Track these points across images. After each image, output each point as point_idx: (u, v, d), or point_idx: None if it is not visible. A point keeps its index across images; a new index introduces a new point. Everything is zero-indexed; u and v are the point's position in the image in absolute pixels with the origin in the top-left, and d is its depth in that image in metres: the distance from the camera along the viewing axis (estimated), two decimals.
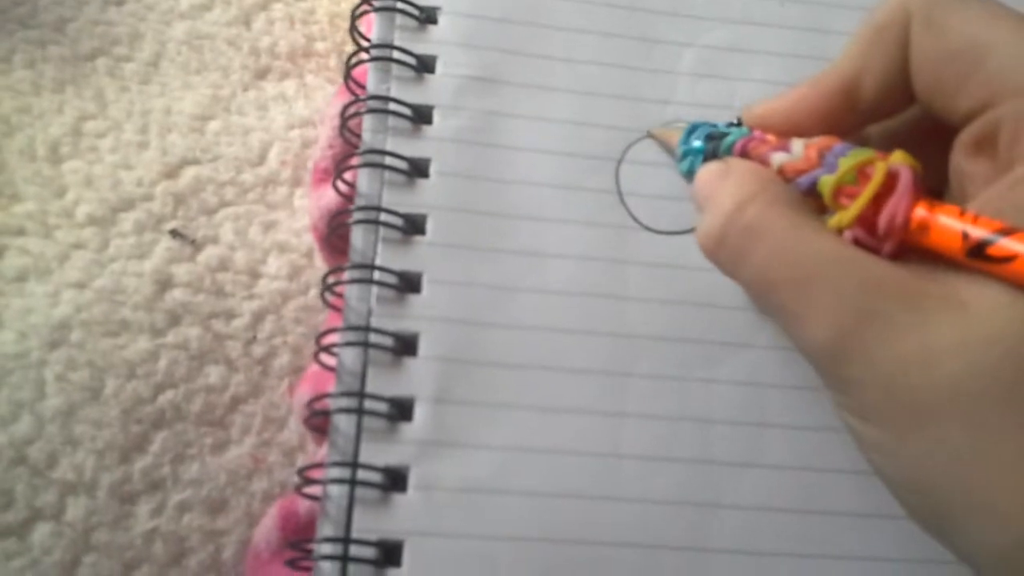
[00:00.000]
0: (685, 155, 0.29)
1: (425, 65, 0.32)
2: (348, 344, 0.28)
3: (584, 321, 0.30)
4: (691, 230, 0.32)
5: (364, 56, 0.32)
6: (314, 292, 0.33)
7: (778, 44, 0.35)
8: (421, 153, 0.31)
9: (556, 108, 0.33)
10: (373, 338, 0.28)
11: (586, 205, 0.32)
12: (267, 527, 0.28)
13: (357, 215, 0.30)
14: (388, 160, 0.30)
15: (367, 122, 0.31)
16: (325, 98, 0.36)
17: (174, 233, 0.32)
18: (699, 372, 0.30)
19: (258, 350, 0.31)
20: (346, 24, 0.37)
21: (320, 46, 0.38)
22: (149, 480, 0.29)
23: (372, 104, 0.31)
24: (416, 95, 0.32)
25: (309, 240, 0.33)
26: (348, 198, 0.30)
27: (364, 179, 0.30)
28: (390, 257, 0.29)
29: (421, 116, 0.32)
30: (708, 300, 0.31)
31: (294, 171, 0.35)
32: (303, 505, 0.27)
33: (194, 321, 0.31)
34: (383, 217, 0.29)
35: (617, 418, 0.29)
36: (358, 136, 0.31)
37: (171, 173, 0.33)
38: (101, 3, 0.36)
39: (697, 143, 0.28)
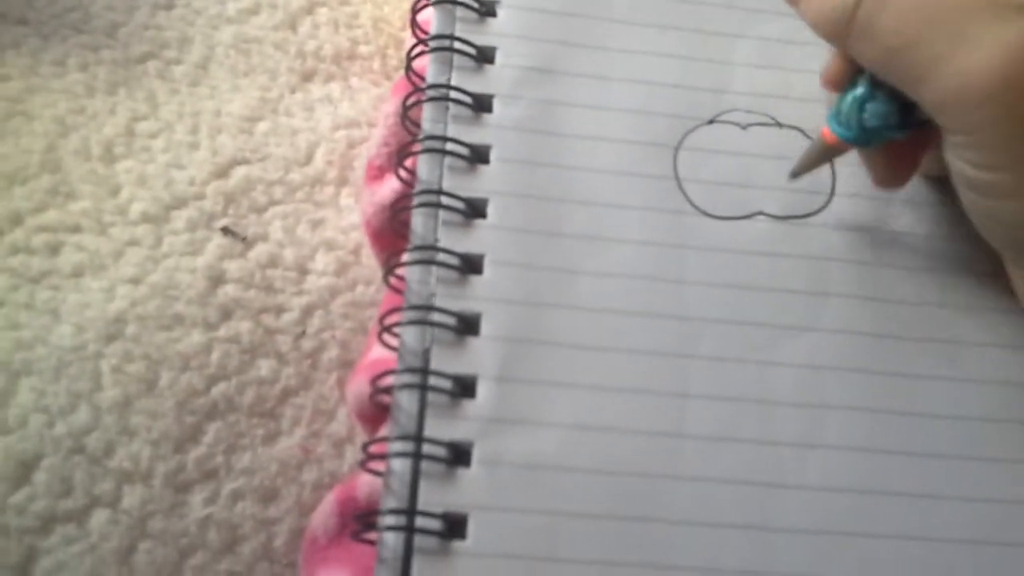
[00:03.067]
0: (856, 102, 0.29)
1: (485, 56, 0.33)
2: (410, 323, 0.29)
3: (643, 303, 0.30)
4: (749, 216, 0.32)
5: (423, 48, 0.33)
6: (361, 288, 0.33)
7: None
8: (482, 140, 0.32)
9: (614, 97, 0.33)
10: (436, 317, 0.29)
11: (644, 191, 0.32)
12: (325, 512, 0.28)
13: (418, 199, 0.30)
14: (449, 146, 0.31)
15: (427, 111, 0.32)
16: (369, 100, 0.37)
17: (225, 230, 0.33)
18: (760, 354, 0.30)
19: (307, 344, 0.32)
20: (389, 28, 0.38)
21: (364, 49, 0.39)
22: (203, 469, 0.30)
23: (432, 93, 0.32)
24: (476, 85, 0.33)
25: (356, 237, 0.34)
26: (408, 186, 0.31)
27: (425, 166, 0.31)
28: (452, 239, 0.30)
29: (481, 105, 0.32)
30: (767, 284, 0.31)
31: (340, 171, 0.35)
32: (362, 490, 0.28)
33: (245, 316, 0.32)
34: (444, 201, 0.30)
35: (678, 398, 0.29)
36: (418, 127, 0.32)
37: (221, 172, 0.34)
38: (151, 8, 0.37)
39: (860, 88, 0.29)
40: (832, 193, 0.33)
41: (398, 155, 0.31)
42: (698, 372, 0.29)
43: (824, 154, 0.31)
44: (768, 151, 0.34)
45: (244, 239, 0.33)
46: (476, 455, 0.27)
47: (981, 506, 0.29)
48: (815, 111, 0.34)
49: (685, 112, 0.34)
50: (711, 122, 0.34)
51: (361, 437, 0.31)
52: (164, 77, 0.36)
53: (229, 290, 0.32)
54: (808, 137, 0.34)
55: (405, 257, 0.30)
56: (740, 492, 0.28)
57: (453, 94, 0.32)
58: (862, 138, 0.29)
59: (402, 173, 0.31)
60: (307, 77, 0.37)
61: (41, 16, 0.36)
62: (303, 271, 0.33)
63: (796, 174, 0.32)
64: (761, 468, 0.28)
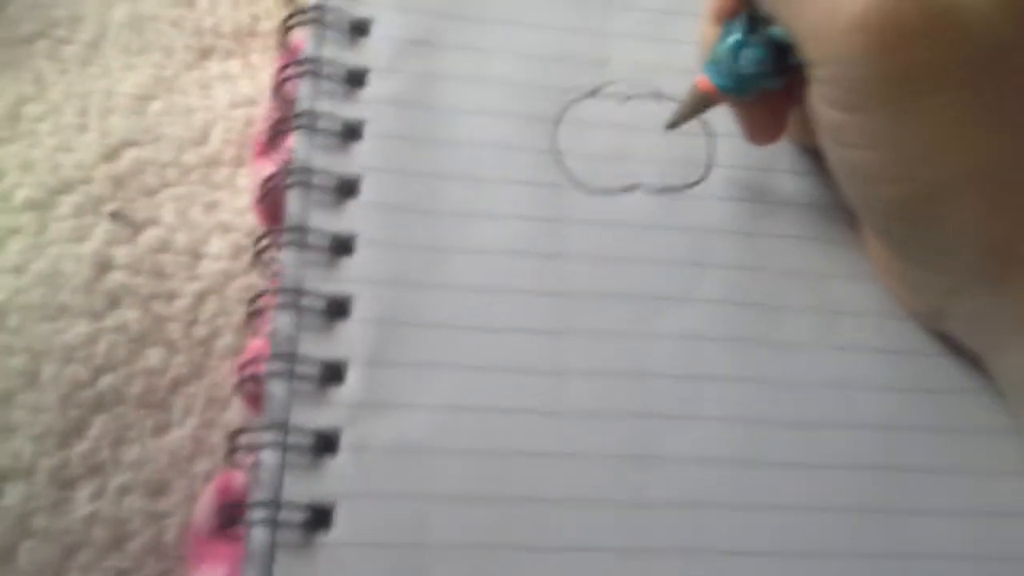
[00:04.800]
0: (732, 48, 0.29)
1: (360, 28, 0.33)
2: (281, 308, 0.28)
3: (520, 280, 0.30)
4: (628, 189, 0.31)
5: (297, 20, 0.32)
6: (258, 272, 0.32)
7: None
8: (356, 115, 0.31)
9: (493, 70, 0.33)
10: (305, 301, 0.28)
11: (523, 165, 0.31)
12: (205, 505, 0.27)
13: (291, 178, 0.29)
14: (322, 123, 0.30)
15: (302, 86, 0.31)
16: (270, 77, 0.36)
17: (114, 215, 0.32)
18: (638, 327, 0.30)
19: (200, 331, 0.31)
20: (291, 3, 0.37)
21: (265, 25, 0.37)
22: (88, 464, 0.29)
23: (306, 67, 0.31)
24: (351, 58, 0.32)
25: (252, 220, 0.33)
26: (284, 164, 0.30)
27: (298, 142, 0.30)
28: (323, 219, 0.29)
29: (356, 79, 0.32)
30: (646, 256, 0.31)
31: (238, 151, 0.34)
32: (239, 479, 0.27)
33: (134, 303, 0.31)
34: (316, 180, 0.29)
35: (555, 376, 0.29)
36: (292, 103, 0.31)
37: (111, 155, 0.33)
38: None
39: (736, 35, 0.29)
40: (710, 164, 0.33)
41: (270, 132, 0.30)
42: (575, 348, 0.29)
43: (699, 103, 0.31)
44: (649, 124, 0.33)
45: (134, 224, 0.32)
46: (344, 442, 0.27)
47: (860, 474, 0.29)
48: None
49: (566, 85, 0.33)
50: (592, 95, 0.33)
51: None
52: (53, 57, 0.35)
53: (117, 277, 0.31)
54: None
55: (279, 238, 0.29)
56: (616, 467, 0.28)
57: (327, 68, 0.31)
58: (737, 86, 0.29)
59: (277, 153, 0.30)
60: (205, 55, 0.36)
61: None
62: (196, 256, 0.32)
63: (672, 125, 0.31)
64: (638, 442, 0.28)
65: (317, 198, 0.30)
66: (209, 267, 0.32)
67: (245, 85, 0.36)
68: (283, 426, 0.26)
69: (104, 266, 0.31)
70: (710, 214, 0.32)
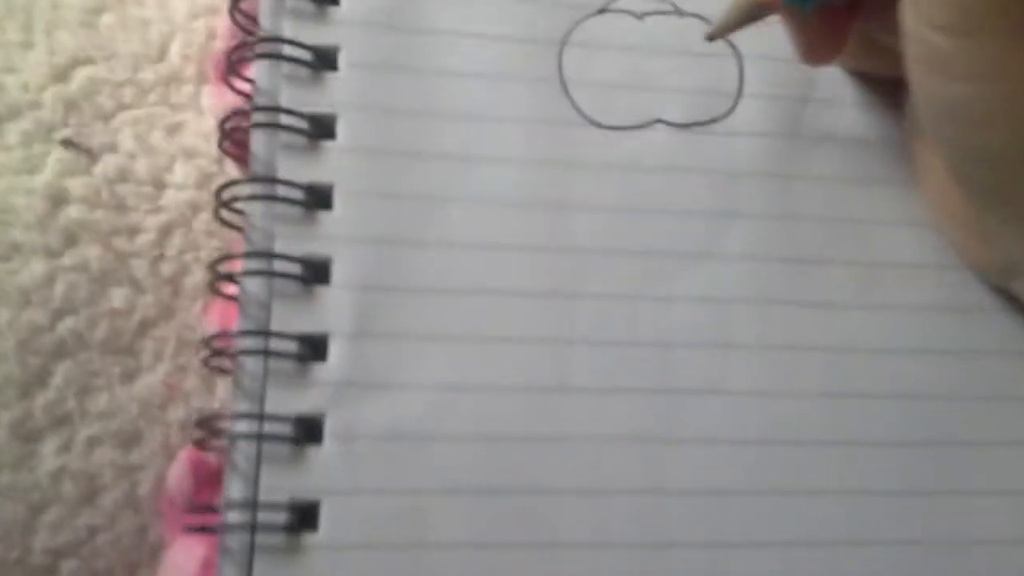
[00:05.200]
0: None
1: None
2: (249, 273, 0.25)
3: (523, 235, 0.27)
4: (645, 124, 0.28)
5: None
6: None
7: None
8: (328, 40, 0.27)
9: None
10: (277, 265, 0.25)
11: (524, 98, 0.28)
12: (179, 473, 0.25)
13: (256, 117, 0.26)
14: (288, 50, 0.27)
15: (263, 4, 0.28)
16: None
17: (67, 143, 0.29)
18: (655, 289, 0.27)
19: (167, 268, 0.29)
20: None
21: None
22: (53, 416, 0.27)
23: None
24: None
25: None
26: (247, 96, 0.27)
27: (261, 74, 0.27)
28: (294, 167, 0.26)
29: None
30: (665, 205, 0.28)
31: (199, 66, 0.31)
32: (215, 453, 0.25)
33: (93, 239, 0.28)
34: (284, 120, 0.26)
35: (563, 345, 0.26)
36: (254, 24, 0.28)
37: (61, 76, 0.30)
38: None
39: None
40: (739, 93, 0.30)
41: (228, 59, 0.27)
42: (585, 313, 0.26)
43: (750, 12, 0.27)
44: (667, 45, 0.30)
45: (89, 151, 0.29)
46: (328, 429, 0.24)
47: (905, 451, 0.26)
48: None
49: (575, 2, 0.29)
50: (602, 11, 0.30)
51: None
52: None
53: (73, 211, 0.28)
54: (710, 24, 0.30)
55: (241, 191, 0.26)
56: (633, 451, 0.25)
57: None
58: None
59: (238, 83, 0.27)
60: None
61: None
62: (159, 185, 0.30)
63: (713, 36, 0.28)
64: (656, 422, 0.26)
65: (286, 140, 0.26)
66: (173, 197, 0.29)
67: None
68: (258, 414, 0.24)
69: (59, 199, 0.28)
70: (738, 153, 0.29)
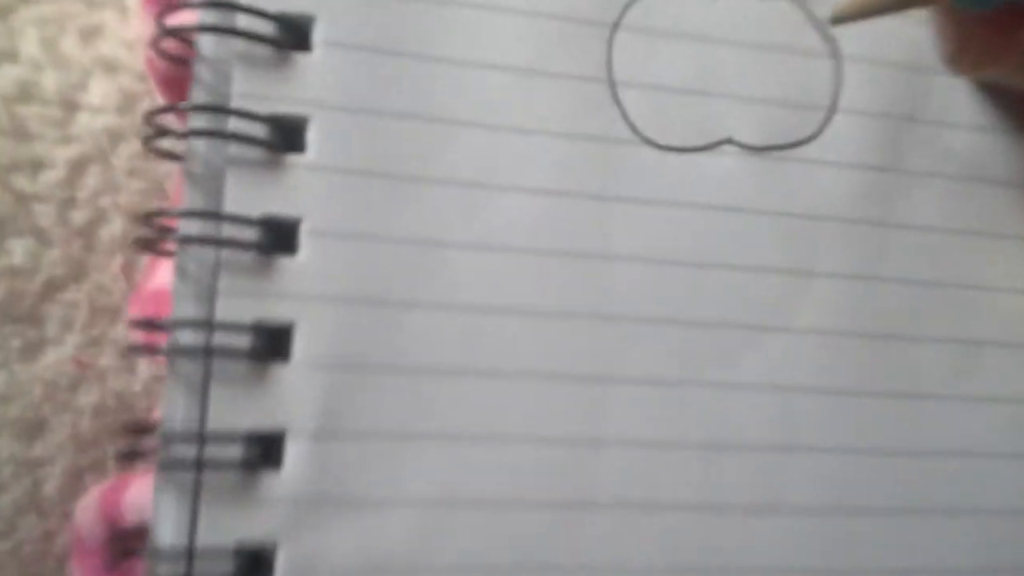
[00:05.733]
0: None
1: None
2: (180, 353, 0.19)
3: (546, 295, 0.20)
4: (710, 144, 0.22)
5: None
6: None
7: None
8: (297, 7, 0.20)
9: None
10: (218, 337, 0.19)
11: (560, 102, 0.21)
12: (89, 516, 0.21)
13: (193, 121, 0.20)
14: (242, 20, 0.20)
15: None
16: None
17: None
18: (708, 372, 0.21)
19: (79, 215, 0.24)
20: None
21: None
22: None
23: None
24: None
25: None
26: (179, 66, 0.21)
27: (206, 53, 0.20)
28: (246, 197, 0.19)
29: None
30: (726, 258, 0.21)
31: None
32: (129, 511, 0.20)
33: None
34: (234, 126, 0.19)
35: (590, 447, 0.20)
36: None
37: None
38: None
39: None
40: (833, 108, 0.22)
41: (157, 16, 0.20)
42: (619, 404, 0.20)
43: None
44: (747, 32, 0.22)
45: None
46: (281, 564, 0.19)
47: None
48: None
49: None
50: None
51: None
52: None
53: None
54: (805, 10, 0.23)
55: (177, 227, 0.20)
56: None
57: None
58: None
59: (168, 46, 0.20)
60: None
61: None
62: (71, 107, 0.24)
63: (841, 19, 0.21)
64: (700, 551, 0.20)
65: (237, 155, 0.20)
66: (88, 124, 0.24)
67: None
68: (185, 550, 0.18)
69: None
70: (824, 188, 0.22)
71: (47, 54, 0.24)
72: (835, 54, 0.23)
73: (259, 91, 0.20)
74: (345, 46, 0.20)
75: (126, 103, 0.24)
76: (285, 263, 0.19)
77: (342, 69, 0.20)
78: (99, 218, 0.24)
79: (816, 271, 0.22)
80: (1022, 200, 0.24)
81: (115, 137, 0.24)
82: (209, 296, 0.19)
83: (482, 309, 0.20)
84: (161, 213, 0.20)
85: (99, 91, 0.24)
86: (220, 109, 0.19)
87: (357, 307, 0.19)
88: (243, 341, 0.19)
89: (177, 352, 0.19)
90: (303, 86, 0.20)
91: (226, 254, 0.19)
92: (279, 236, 0.19)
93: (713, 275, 0.21)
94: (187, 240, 0.19)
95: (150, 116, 0.20)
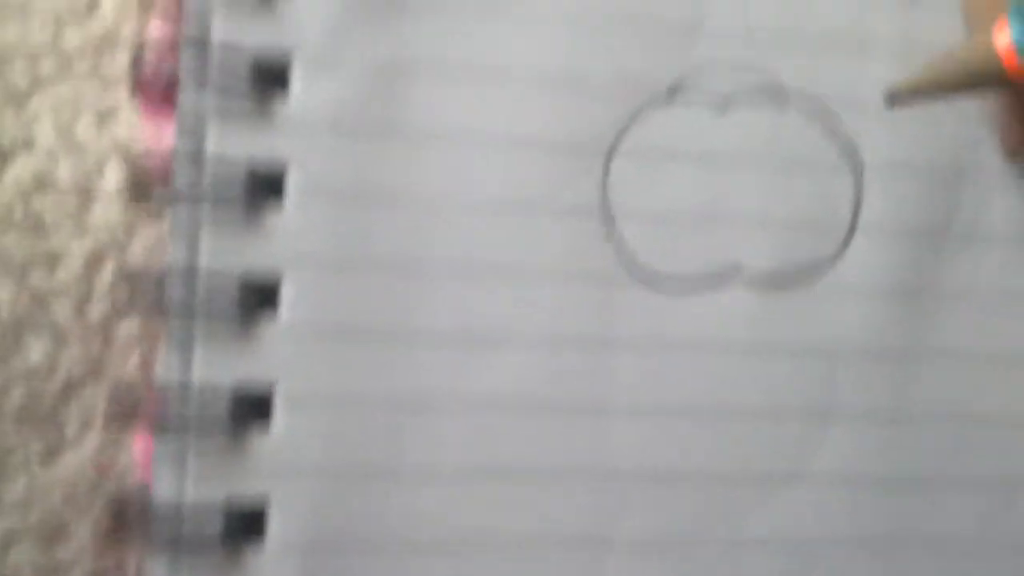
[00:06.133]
0: None
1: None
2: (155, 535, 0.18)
3: (543, 454, 0.19)
4: (718, 278, 0.19)
5: None
6: None
7: None
8: (269, 155, 0.19)
9: (501, 51, 0.19)
10: (188, 526, 0.18)
11: (550, 242, 0.19)
12: None
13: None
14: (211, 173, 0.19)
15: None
16: None
17: None
18: (716, 530, 0.19)
19: (96, 310, 0.23)
20: None
21: None
22: None
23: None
24: (262, 33, 0.19)
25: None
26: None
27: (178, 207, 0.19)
28: (217, 363, 0.19)
29: (273, 76, 0.19)
30: (737, 404, 0.19)
31: (140, 24, 0.23)
32: None
33: (3, 275, 0.22)
34: (205, 287, 0.18)
35: None
36: None
37: None
38: None
39: None
40: (852, 227, 0.20)
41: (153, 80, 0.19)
42: (619, 569, 0.18)
43: (976, 76, 0.18)
44: (758, 149, 0.20)
45: None
46: None
47: None
48: (853, 65, 0.20)
49: (624, 79, 0.19)
50: (669, 98, 0.20)
51: None
52: None
53: None
54: (823, 115, 0.20)
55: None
56: None
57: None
58: None
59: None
60: None
61: None
62: (86, 196, 0.23)
63: (898, 99, 0.18)
64: None
65: (208, 333, 0.19)
66: (104, 212, 0.23)
67: None
68: None
69: None
70: (844, 320, 0.20)
71: (62, 141, 0.23)
72: (855, 167, 0.20)
73: (230, 250, 0.19)
74: (319, 196, 0.19)
75: (141, 188, 0.23)
76: (258, 437, 0.18)
77: (316, 221, 0.19)
78: (117, 312, 0.23)
79: (834, 412, 0.20)
80: None
81: (131, 225, 0.23)
82: (179, 477, 0.18)
83: (471, 473, 0.19)
84: (132, 388, 0.19)
85: (114, 175, 0.23)
86: (190, 275, 0.18)
87: (336, 481, 0.18)
88: (215, 525, 0.18)
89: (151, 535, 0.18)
90: (276, 243, 0.19)
91: (196, 431, 0.19)
92: (251, 404, 0.19)
93: (721, 423, 0.19)
94: (161, 420, 0.18)
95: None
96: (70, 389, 0.23)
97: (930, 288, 0.20)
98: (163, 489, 0.18)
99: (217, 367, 0.18)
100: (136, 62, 0.20)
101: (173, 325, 0.19)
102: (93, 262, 0.23)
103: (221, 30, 0.19)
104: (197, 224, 0.19)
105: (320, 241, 0.19)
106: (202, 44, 0.19)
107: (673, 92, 0.20)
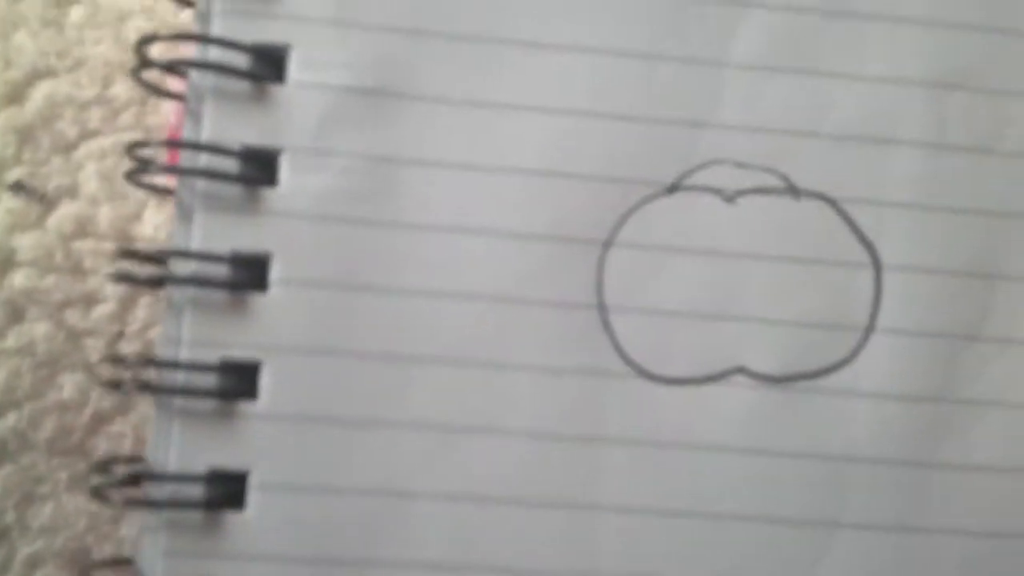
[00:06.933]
0: None
1: (272, 59, 0.20)
2: None
3: (527, 552, 0.19)
4: (718, 374, 0.19)
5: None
6: None
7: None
8: (252, 245, 0.20)
9: (497, 144, 0.19)
10: None
11: (541, 334, 0.19)
12: None
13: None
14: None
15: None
16: None
17: (18, 187, 0.24)
18: None
19: (127, 349, 0.24)
20: None
21: None
22: None
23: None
24: (253, 129, 0.20)
25: None
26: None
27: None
28: (192, 450, 0.19)
29: (260, 168, 0.20)
30: (736, 510, 0.19)
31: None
32: None
33: (42, 314, 0.24)
34: (184, 375, 0.19)
35: None
36: None
37: (16, 94, 0.24)
38: None
39: None
40: (870, 328, 0.19)
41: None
42: None
43: None
44: (768, 241, 0.20)
45: (43, 197, 0.24)
46: None
47: None
48: (874, 160, 0.20)
49: (629, 170, 0.19)
50: (672, 189, 0.20)
51: None
52: None
53: (20, 278, 0.24)
54: (840, 212, 0.19)
55: None
56: None
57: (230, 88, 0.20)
58: None
59: None
60: None
61: None
62: (125, 239, 0.24)
63: None
64: None
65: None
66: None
67: None
68: None
69: (4, 263, 0.24)
70: (856, 424, 0.19)
71: (105, 189, 0.24)
72: (875, 263, 0.20)
73: (211, 337, 0.19)
74: (303, 283, 0.19)
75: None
76: (232, 520, 0.19)
77: (299, 308, 0.19)
78: (147, 351, 0.24)
79: (842, 522, 0.19)
80: None
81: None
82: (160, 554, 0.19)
83: (450, 569, 0.19)
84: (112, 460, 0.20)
85: (152, 221, 0.24)
86: (168, 365, 0.19)
87: (309, 570, 0.18)
88: None
89: None
90: (257, 329, 0.19)
91: (170, 512, 0.19)
92: (226, 491, 0.19)
93: (716, 528, 0.19)
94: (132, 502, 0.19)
95: None
96: (99, 423, 0.24)
97: (953, 395, 0.19)
98: (147, 565, 0.19)
99: (194, 451, 0.19)
100: None
101: (157, 405, 0.19)
102: (127, 302, 0.24)
103: (210, 125, 0.20)
104: (181, 308, 0.19)
105: (302, 329, 0.19)
106: (195, 140, 0.20)
107: (676, 184, 0.19)
